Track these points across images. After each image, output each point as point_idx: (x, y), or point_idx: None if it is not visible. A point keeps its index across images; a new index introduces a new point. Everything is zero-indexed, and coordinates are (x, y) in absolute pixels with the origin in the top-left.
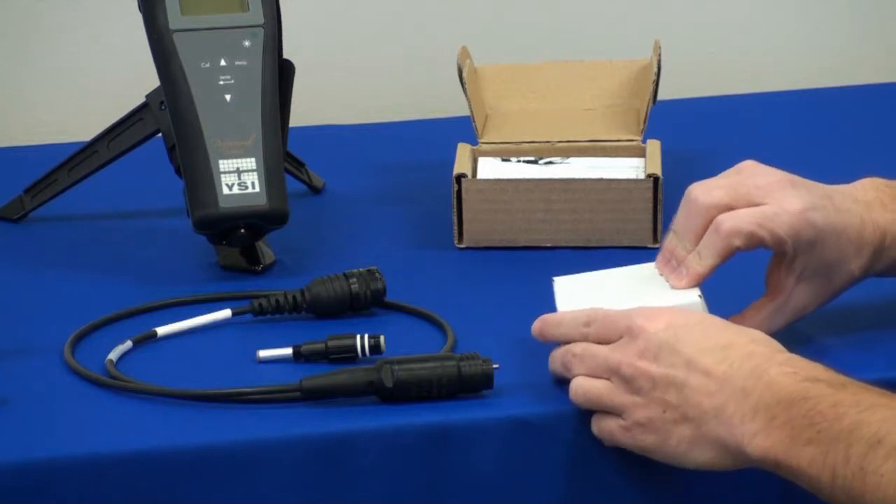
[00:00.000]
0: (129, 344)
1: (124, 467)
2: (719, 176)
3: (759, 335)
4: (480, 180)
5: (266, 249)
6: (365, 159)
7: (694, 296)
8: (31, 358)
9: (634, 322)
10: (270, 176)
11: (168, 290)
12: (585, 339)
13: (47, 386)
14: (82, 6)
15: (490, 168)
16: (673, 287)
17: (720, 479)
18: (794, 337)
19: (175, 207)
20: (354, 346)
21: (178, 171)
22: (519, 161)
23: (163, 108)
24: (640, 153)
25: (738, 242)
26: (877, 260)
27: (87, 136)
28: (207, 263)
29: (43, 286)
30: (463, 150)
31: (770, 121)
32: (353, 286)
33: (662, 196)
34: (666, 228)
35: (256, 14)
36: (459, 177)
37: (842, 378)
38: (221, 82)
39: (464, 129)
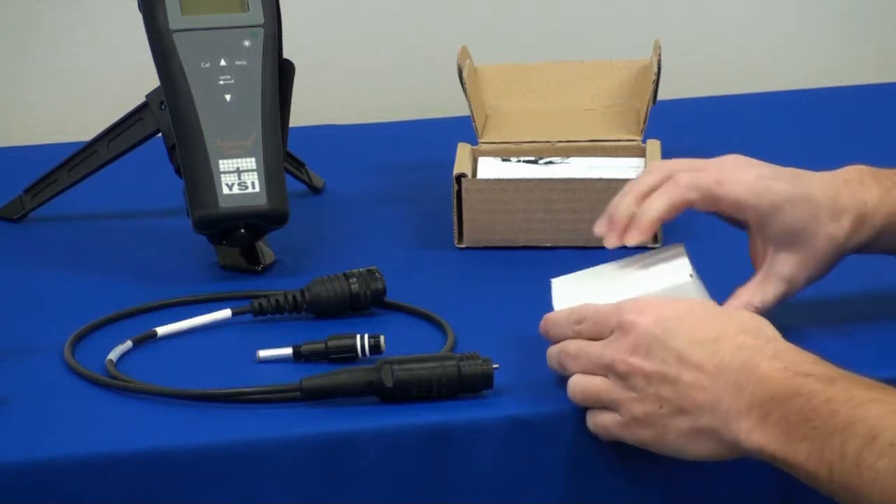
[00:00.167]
0: (129, 344)
1: (124, 467)
2: None
3: (748, 323)
4: (480, 180)
5: (266, 249)
6: (365, 159)
7: (685, 275)
8: (31, 358)
9: (625, 317)
10: (270, 176)
11: (168, 290)
12: (579, 336)
13: (47, 386)
14: (82, 6)
15: (490, 168)
16: (624, 243)
17: (720, 478)
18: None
19: (175, 207)
20: (354, 346)
21: (178, 171)
22: (519, 161)
23: (163, 108)
24: (640, 153)
25: (693, 196)
26: (860, 228)
27: (87, 136)
28: (207, 263)
29: (43, 286)
30: (463, 150)
31: (770, 121)
32: (353, 286)
33: None
34: (666, 229)
35: (256, 14)
36: (459, 177)
37: (832, 371)
38: (221, 82)
39: (464, 129)
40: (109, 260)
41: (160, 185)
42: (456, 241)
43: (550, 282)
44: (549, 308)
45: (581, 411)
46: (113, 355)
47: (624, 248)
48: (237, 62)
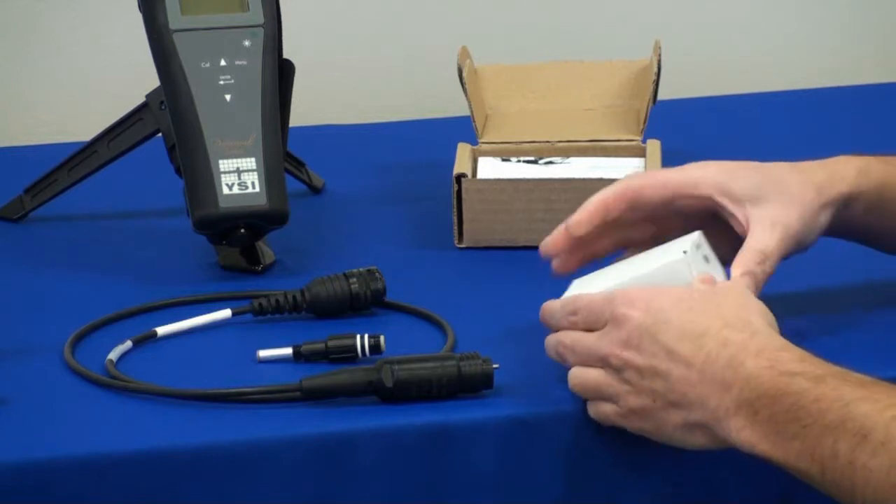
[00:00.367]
0: (129, 344)
1: (124, 467)
2: None
3: (734, 314)
4: (480, 180)
5: (266, 249)
6: (365, 159)
7: (678, 252)
8: (31, 358)
9: (617, 310)
10: (270, 176)
11: (168, 290)
12: (574, 327)
13: (47, 386)
14: (82, 6)
15: (490, 168)
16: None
17: (720, 477)
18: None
19: (175, 207)
20: (354, 346)
21: (178, 171)
22: (519, 161)
23: (163, 107)
24: (640, 153)
25: (614, 190)
26: (830, 177)
27: (87, 136)
28: (207, 263)
29: (43, 286)
30: (463, 150)
31: (770, 121)
32: (353, 286)
33: None
34: None
35: (256, 14)
36: (459, 177)
37: (819, 368)
38: (221, 82)
39: (464, 129)
40: (109, 260)
41: (160, 185)
42: (456, 241)
43: (572, 282)
44: None
45: (580, 411)
46: (113, 355)
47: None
48: (237, 62)
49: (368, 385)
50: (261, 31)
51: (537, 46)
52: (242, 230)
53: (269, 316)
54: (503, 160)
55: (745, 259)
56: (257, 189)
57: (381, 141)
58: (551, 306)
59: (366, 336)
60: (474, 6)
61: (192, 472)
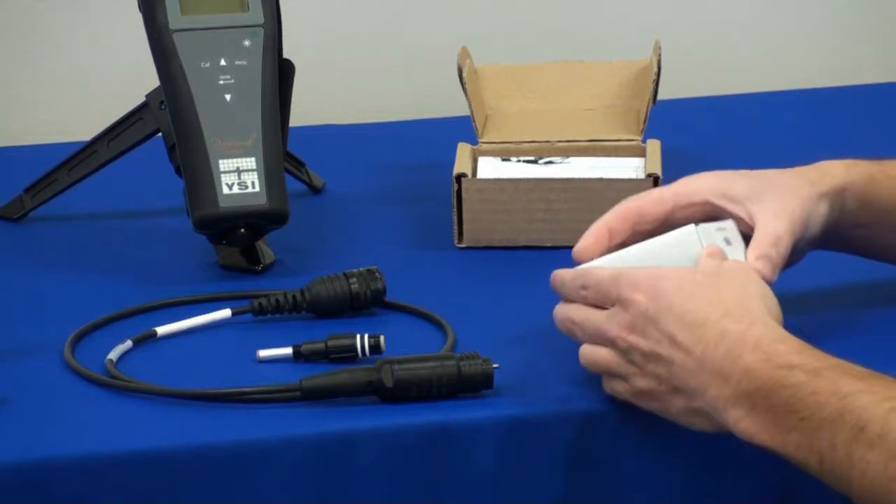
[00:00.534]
0: (129, 344)
1: (124, 467)
2: None
3: (735, 301)
4: (480, 180)
5: (266, 249)
6: (365, 159)
7: (690, 225)
8: (31, 358)
9: (622, 292)
10: (270, 176)
11: (168, 290)
12: (584, 301)
13: (47, 386)
14: (82, 6)
15: (490, 168)
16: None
17: (720, 477)
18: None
19: (175, 207)
20: (354, 345)
21: (178, 171)
22: (519, 161)
23: (163, 107)
24: (640, 153)
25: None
26: (822, 176)
27: (87, 136)
28: (207, 263)
29: (43, 286)
30: (463, 150)
31: (770, 121)
32: (353, 286)
33: None
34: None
35: (256, 14)
36: (459, 176)
37: (817, 361)
38: (221, 82)
39: (464, 129)
40: (109, 260)
41: (160, 185)
42: (456, 241)
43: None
44: (549, 307)
45: (580, 411)
46: (113, 355)
47: None
48: (237, 62)
49: (368, 385)
50: (261, 31)
51: (537, 46)
52: (242, 230)
53: (269, 316)
54: (503, 160)
55: (758, 244)
56: (257, 189)
57: (381, 141)
58: (562, 275)
59: (366, 336)
60: (474, 6)
61: (192, 472)
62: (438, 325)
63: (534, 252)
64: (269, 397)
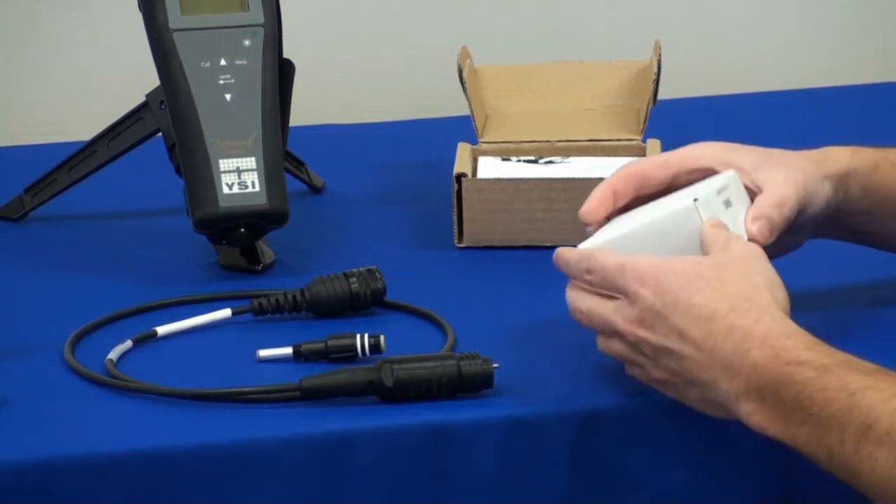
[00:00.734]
0: (129, 343)
1: (124, 467)
2: None
3: (741, 295)
4: (480, 180)
5: (266, 249)
6: (365, 159)
7: (689, 199)
8: (31, 358)
9: (628, 285)
10: (270, 175)
11: (168, 290)
12: (590, 284)
13: (47, 386)
14: (82, 6)
15: (490, 167)
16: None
17: (720, 476)
18: None
19: (175, 207)
20: (354, 345)
21: (178, 171)
22: (519, 161)
23: (163, 107)
24: (640, 153)
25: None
26: (825, 159)
27: (87, 136)
28: (207, 263)
29: (43, 286)
30: (463, 150)
31: (770, 121)
32: (353, 286)
33: None
34: None
35: (256, 13)
36: (459, 176)
37: (825, 357)
38: (221, 82)
39: (464, 129)
40: (109, 260)
41: (160, 185)
42: (456, 241)
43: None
44: (549, 307)
45: (580, 411)
46: (113, 355)
47: None
48: (237, 62)
49: (368, 385)
50: (261, 31)
51: (537, 46)
52: (242, 230)
53: (269, 315)
54: (503, 160)
55: (759, 205)
56: (257, 189)
57: (382, 141)
58: (566, 255)
59: (366, 336)
60: (474, 6)
61: (192, 472)
62: (438, 325)
63: (534, 252)
64: (268, 397)
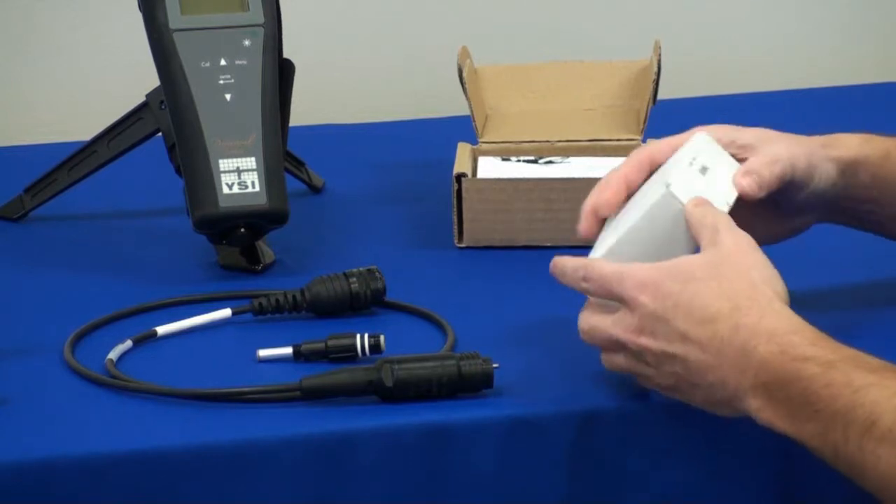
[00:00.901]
0: (129, 343)
1: (124, 467)
2: None
3: (740, 294)
4: (480, 180)
5: (266, 249)
6: (365, 159)
7: (662, 187)
8: (31, 358)
9: (627, 294)
10: (270, 175)
11: (168, 290)
12: (587, 293)
13: (47, 386)
14: (82, 6)
15: (490, 167)
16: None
17: (719, 476)
18: None
19: (175, 207)
20: (354, 345)
21: (178, 171)
22: (519, 160)
23: (163, 107)
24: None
25: (652, 148)
26: (832, 142)
27: (87, 136)
28: (207, 263)
29: (43, 286)
30: (463, 150)
31: (770, 121)
32: (353, 286)
33: None
34: None
35: (256, 13)
36: (459, 176)
37: (831, 353)
38: (221, 82)
39: (464, 129)
40: (109, 260)
41: (160, 185)
42: (456, 241)
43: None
44: (549, 307)
45: (581, 411)
46: (113, 355)
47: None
48: (237, 62)
49: (368, 385)
50: (261, 31)
51: (537, 46)
52: (242, 230)
53: (269, 315)
54: (503, 160)
55: (752, 161)
56: (257, 189)
57: (381, 141)
58: (563, 264)
59: (366, 336)
60: (474, 6)
61: (192, 472)
62: (438, 325)
63: (534, 252)
64: (268, 397)
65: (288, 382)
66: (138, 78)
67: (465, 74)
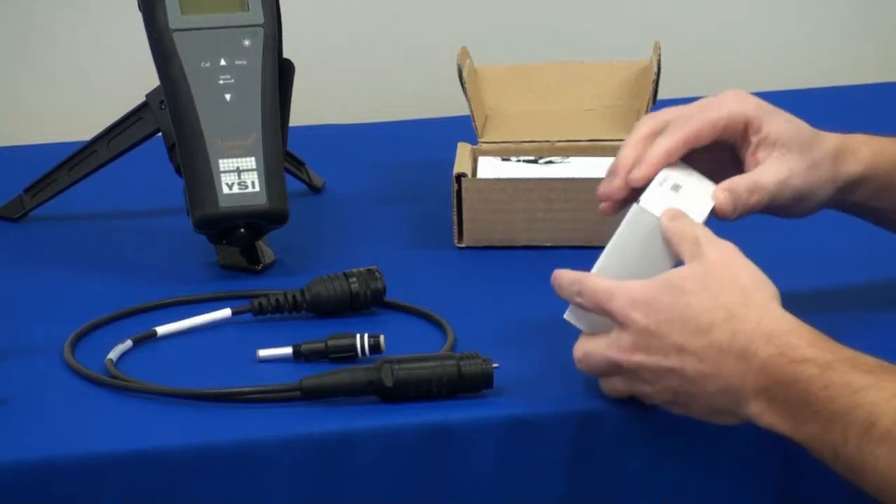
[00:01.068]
0: (128, 343)
1: (124, 467)
2: None
3: (733, 300)
4: (480, 180)
5: (266, 249)
6: (365, 159)
7: (633, 204)
8: (31, 358)
9: (617, 311)
10: (270, 175)
11: (168, 290)
12: (581, 307)
13: (47, 386)
14: (82, 6)
15: (490, 167)
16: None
17: (718, 476)
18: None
19: (175, 207)
20: (354, 345)
21: (178, 171)
22: (519, 161)
23: (163, 107)
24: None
25: (699, 129)
26: (845, 155)
27: (87, 136)
28: (207, 263)
29: (43, 286)
30: (463, 150)
31: None
32: (353, 285)
33: None
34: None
35: (256, 14)
36: (459, 176)
37: (829, 354)
38: (221, 82)
39: (464, 129)
40: (109, 260)
41: (160, 185)
42: (456, 241)
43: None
44: (549, 307)
45: (580, 411)
46: (113, 355)
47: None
48: (237, 62)
49: (368, 385)
50: (261, 31)
51: (537, 46)
52: (242, 230)
53: (269, 315)
54: (503, 160)
55: (738, 180)
56: (257, 189)
57: (381, 141)
58: (561, 277)
59: (365, 336)
60: (474, 6)
61: (192, 472)
62: (438, 325)
63: (534, 252)
64: (268, 397)
65: (288, 382)
66: (138, 78)
67: (465, 74)
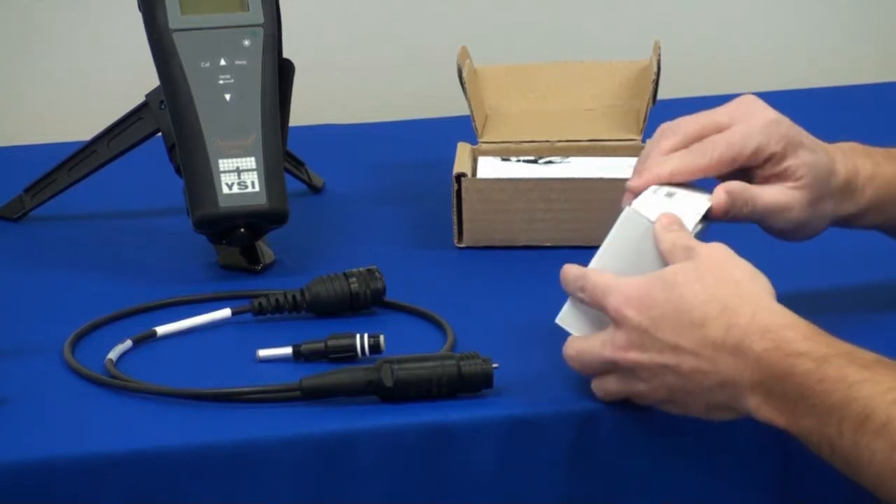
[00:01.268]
0: (128, 343)
1: (124, 467)
2: None
3: (727, 294)
4: (480, 180)
5: (266, 249)
6: (365, 159)
7: (629, 210)
8: (31, 358)
9: (611, 307)
10: (270, 175)
11: (168, 290)
12: (583, 303)
13: (47, 386)
14: (82, 6)
15: (490, 167)
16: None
17: (718, 476)
18: None
19: (175, 207)
20: (354, 345)
21: (178, 171)
22: (519, 160)
23: (163, 107)
24: (640, 153)
25: (720, 167)
26: (848, 193)
27: (87, 136)
28: (207, 263)
29: (43, 286)
30: (463, 150)
31: None
32: (352, 285)
33: None
34: None
35: (256, 13)
36: (459, 176)
37: (825, 348)
38: (221, 82)
39: (464, 129)
40: (109, 260)
41: (160, 185)
42: (456, 241)
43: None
44: (549, 307)
45: (580, 411)
46: (113, 355)
47: None
48: (237, 62)
49: (368, 385)
50: (261, 31)
51: (537, 46)
52: (242, 230)
53: (268, 315)
54: (503, 160)
55: (740, 185)
56: (257, 189)
57: (381, 141)
58: (568, 271)
59: (365, 336)
60: (474, 6)
61: (192, 472)
62: (438, 325)
63: (534, 252)
64: (268, 397)
65: (288, 382)
66: (138, 78)
67: (464, 74)
